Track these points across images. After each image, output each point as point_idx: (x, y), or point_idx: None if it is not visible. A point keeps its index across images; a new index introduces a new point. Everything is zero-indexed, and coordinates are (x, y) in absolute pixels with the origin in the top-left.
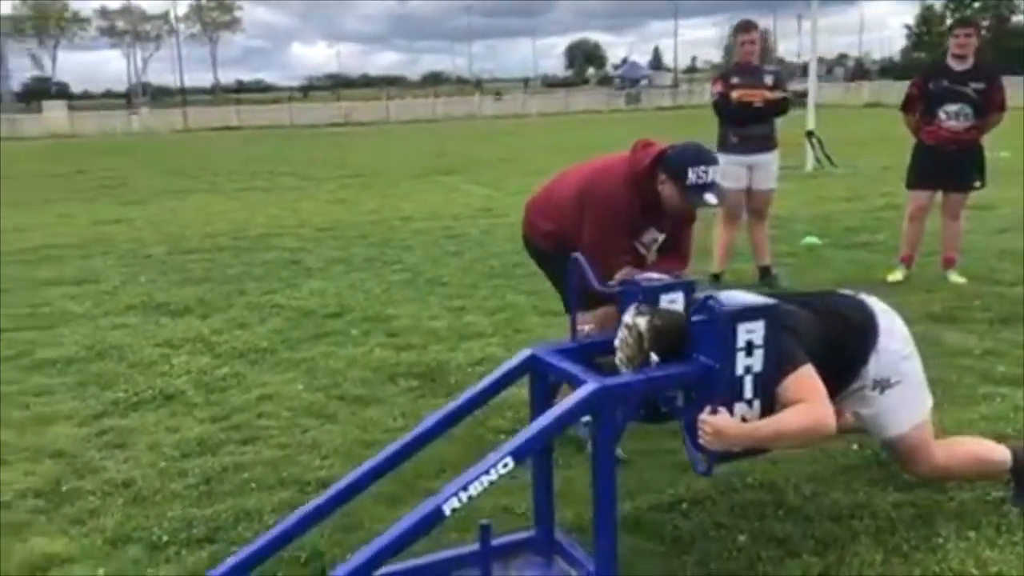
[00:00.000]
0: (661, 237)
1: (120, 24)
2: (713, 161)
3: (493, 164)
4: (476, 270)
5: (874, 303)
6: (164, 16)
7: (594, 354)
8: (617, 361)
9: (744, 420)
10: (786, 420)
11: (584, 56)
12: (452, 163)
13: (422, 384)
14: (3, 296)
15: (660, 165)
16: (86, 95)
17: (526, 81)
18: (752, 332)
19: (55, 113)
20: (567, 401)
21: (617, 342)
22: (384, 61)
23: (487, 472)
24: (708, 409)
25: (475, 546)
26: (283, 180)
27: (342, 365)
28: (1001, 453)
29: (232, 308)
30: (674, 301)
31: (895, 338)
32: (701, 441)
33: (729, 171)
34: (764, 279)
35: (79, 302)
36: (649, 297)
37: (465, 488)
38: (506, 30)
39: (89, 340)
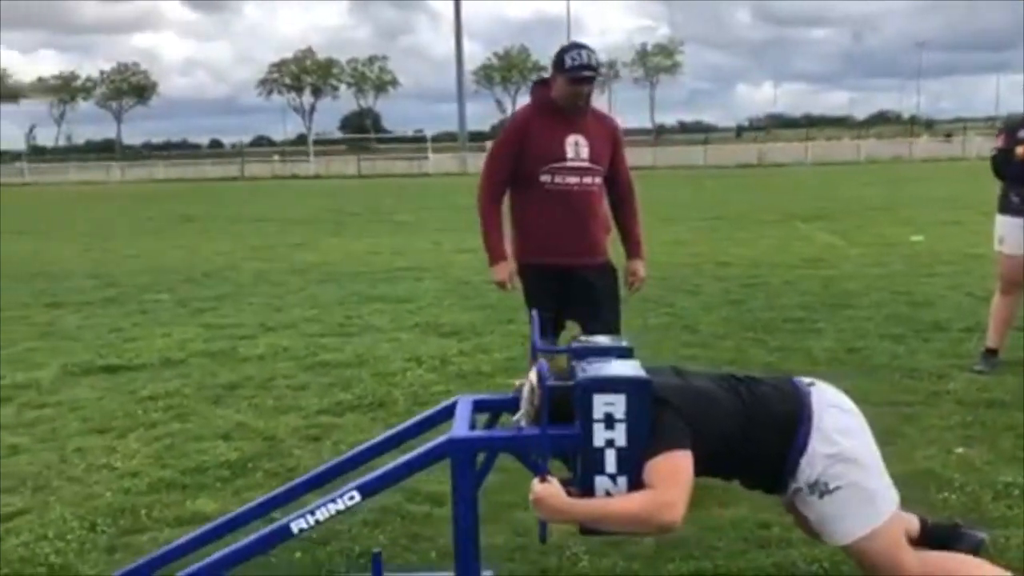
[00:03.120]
0: (585, 141)
1: None
2: (585, 47)
3: (860, 212)
4: (734, 319)
5: (819, 395)
6: (611, 63)
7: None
8: (519, 416)
9: (608, 494)
10: (614, 504)
11: None
12: (820, 208)
13: None
14: (335, 307)
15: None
16: None
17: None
18: (611, 405)
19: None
20: (419, 450)
21: (523, 397)
22: (832, 101)
23: (334, 501)
24: (539, 477)
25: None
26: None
27: None
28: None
29: (491, 335)
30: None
31: (830, 440)
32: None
33: (1008, 235)
34: None
35: (383, 317)
36: (582, 359)
37: (313, 512)
38: (970, 66)
39: (363, 349)
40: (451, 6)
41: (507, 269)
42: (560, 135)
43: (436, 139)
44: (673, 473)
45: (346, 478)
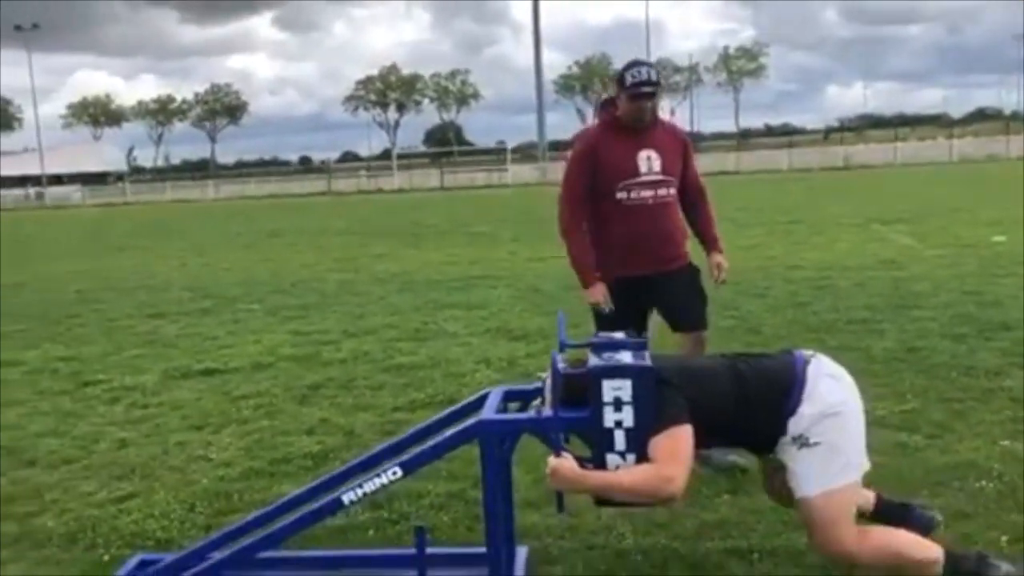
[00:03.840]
0: (656, 155)
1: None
2: (645, 63)
3: (942, 213)
4: (798, 320)
5: (816, 366)
6: (693, 68)
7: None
8: (537, 403)
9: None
10: (620, 476)
11: None
12: (902, 210)
13: None
14: (412, 314)
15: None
16: None
17: None
18: (619, 389)
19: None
20: (451, 431)
21: (545, 387)
22: (926, 99)
23: (379, 476)
24: (555, 453)
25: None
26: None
27: None
28: (929, 552)
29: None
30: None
31: (819, 401)
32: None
33: None
34: None
35: (457, 323)
36: (600, 352)
37: (361, 486)
38: None
39: (436, 352)
40: (531, 16)
41: (602, 290)
42: (632, 151)
43: (517, 149)
44: (673, 449)
45: (393, 461)
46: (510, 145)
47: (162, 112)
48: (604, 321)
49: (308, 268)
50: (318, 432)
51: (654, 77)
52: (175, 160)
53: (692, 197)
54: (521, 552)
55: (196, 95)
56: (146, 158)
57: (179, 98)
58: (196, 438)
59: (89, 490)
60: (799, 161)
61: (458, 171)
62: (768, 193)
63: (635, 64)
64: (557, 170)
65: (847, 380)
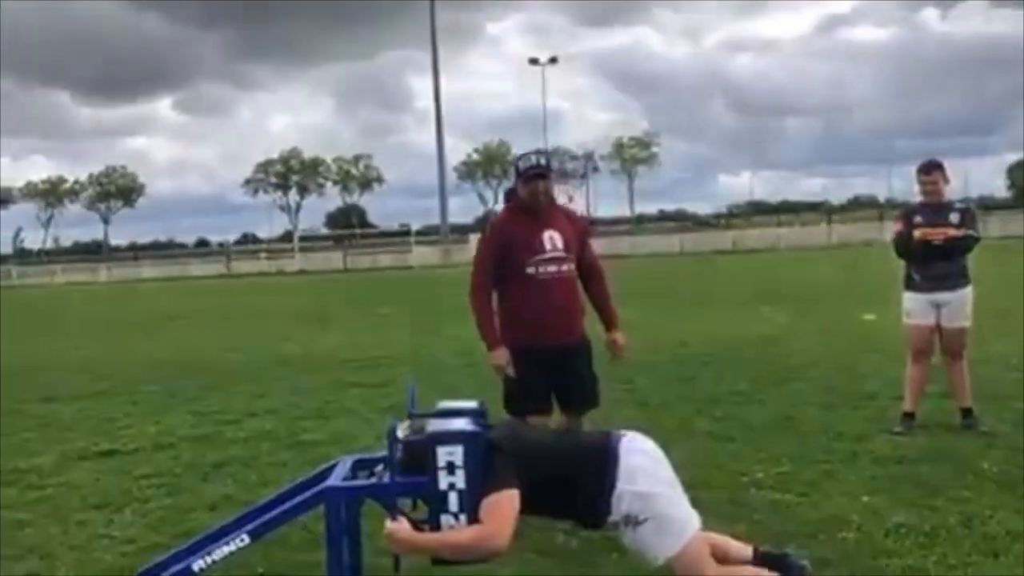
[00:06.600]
0: (558, 234)
1: (552, 164)
2: (536, 152)
3: (820, 294)
4: (685, 393)
5: (629, 444)
6: (589, 155)
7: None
8: (384, 468)
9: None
10: (450, 536)
11: None
12: (782, 291)
13: None
14: (315, 392)
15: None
16: None
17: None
18: (452, 454)
19: None
20: (298, 498)
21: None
22: (808, 187)
23: (228, 543)
24: (390, 517)
25: None
26: None
27: None
28: None
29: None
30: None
31: (637, 479)
32: None
33: (914, 309)
34: (965, 420)
35: (357, 401)
36: (441, 419)
37: (210, 553)
38: (943, 150)
39: (339, 429)
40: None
41: (505, 355)
42: (537, 231)
43: (421, 232)
44: (499, 511)
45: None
46: (414, 227)
47: (52, 193)
48: (512, 391)
49: (208, 350)
50: (221, 508)
51: (543, 162)
52: (66, 243)
53: (590, 276)
54: None
55: (90, 176)
56: (34, 240)
57: (71, 179)
58: (97, 517)
59: None
60: (691, 245)
61: (362, 253)
62: (658, 276)
63: (527, 154)
64: (459, 252)
65: (654, 451)
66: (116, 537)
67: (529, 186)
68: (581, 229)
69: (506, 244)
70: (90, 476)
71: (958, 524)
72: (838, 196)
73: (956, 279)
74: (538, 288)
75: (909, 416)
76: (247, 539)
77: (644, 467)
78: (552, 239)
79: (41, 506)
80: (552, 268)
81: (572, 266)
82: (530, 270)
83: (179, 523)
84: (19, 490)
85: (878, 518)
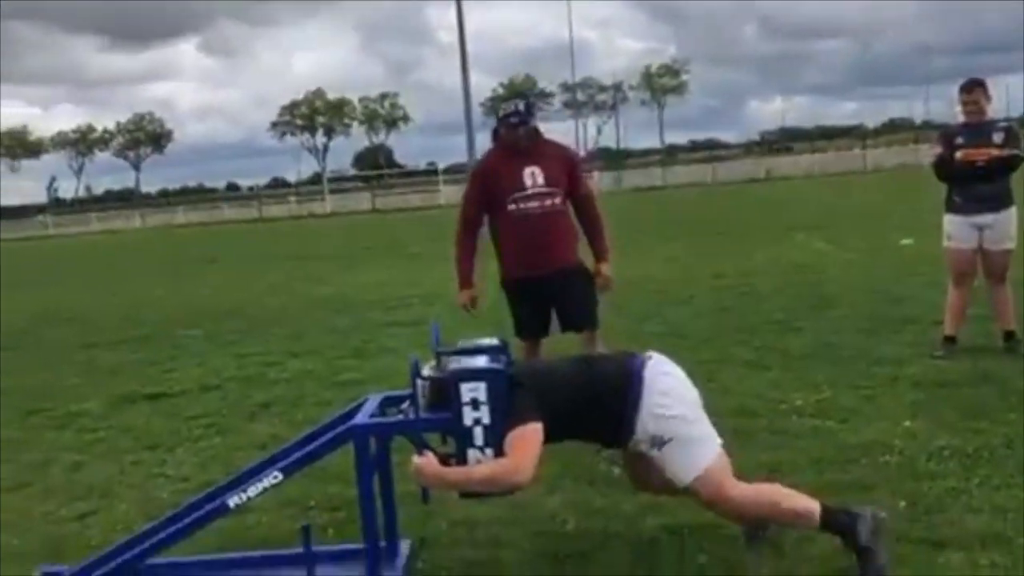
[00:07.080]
0: (539, 170)
1: (580, 96)
2: (517, 97)
3: (856, 220)
4: (722, 324)
5: (652, 366)
6: (617, 86)
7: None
8: (406, 406)
9: (480, 463)
10: (475, 470)
11: None
12: (818, 218)
13: None
14: (353, 333)
15: None
16: None
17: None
18: (475, 391)
19: None
20: (326, 436)
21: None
22: (843, 111)
23: (261, 480)
24: (418, 452)
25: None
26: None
27: None
28: (804, 504)
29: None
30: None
31: (662, 400)
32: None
33: (955, 232)
34: (1008, 343)
35: (397, 340)
36: (463, 357)
37: (245, 490)
38: (981, 68)
39: (380, 368)
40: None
41: (469, 295)
42: (518, 168)
43: (448, 171)
44: (523, 444)
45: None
46: (441, 166)
47: (83, 142)
48: (519, 319)
49: (244, 293)
50: (271, 447)
51: (521, 108)
52: (98, 191)
53: (581, 206)
54: (404, 544)
55: (118, 124)
56: (67, 190)
57: (100, 128)
58: (151, 457)
59: (48, 510)
60: (723, 174)
61: (391, 194)
62: (692, 207)
63: (507, 99)
64: None
65: (678, 373)
66: (171, 476)
67: (509, 132)
68: (570, 162)
69: (490, 183)
70: (140, 418)
71: (1001, 446)
72: (874, 119)
73: (1000, 200)
74: (520, 223)
75: (950, 340)
76: (280, 476)
77: (669, 388)
78: (533, 175)
79: (96, 447)
80: (534, 203)
81: (558, 200)
82: (511, 207)
83: (230, 462)
84: (73, 432)
85: (919, 442)
